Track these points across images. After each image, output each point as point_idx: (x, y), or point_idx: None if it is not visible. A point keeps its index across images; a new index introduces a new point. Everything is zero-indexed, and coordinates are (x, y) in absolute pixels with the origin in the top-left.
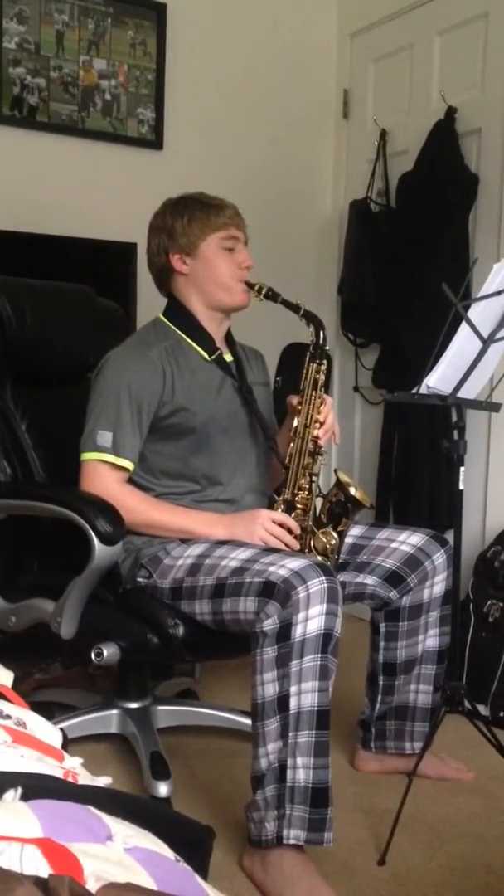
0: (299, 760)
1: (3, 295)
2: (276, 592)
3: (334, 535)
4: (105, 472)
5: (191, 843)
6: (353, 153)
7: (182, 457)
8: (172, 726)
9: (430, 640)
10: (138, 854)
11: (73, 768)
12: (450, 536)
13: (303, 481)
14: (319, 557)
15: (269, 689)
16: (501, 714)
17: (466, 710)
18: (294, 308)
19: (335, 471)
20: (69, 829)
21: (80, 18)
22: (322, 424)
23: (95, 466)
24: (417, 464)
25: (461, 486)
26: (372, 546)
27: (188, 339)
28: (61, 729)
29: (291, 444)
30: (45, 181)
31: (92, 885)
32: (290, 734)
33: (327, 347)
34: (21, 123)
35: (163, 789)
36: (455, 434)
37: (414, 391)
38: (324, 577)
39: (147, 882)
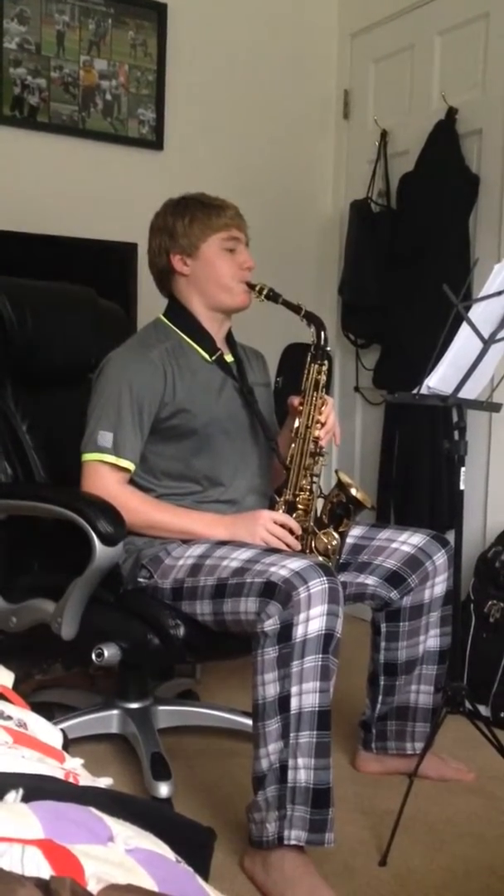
0: (300, 761)
1: (4, 295)
2: (278, 593)
3: (335, 535)
4: (106, 473)
5: (192, 845)
6: (353, 153)
7: (183, 458)
8: (173, 727)
9: (431, 640)
10: (139, 855)
11: (74, 769)
12: (450, 537)
13: (304, 482)
14: (320, 558)
15: (270, 690)
16: (502, 714)
17: (467, 711)
18: (295, 308)
19: (336, 471)
20: (70, 830)
21: (80, 19)
22: (323, 425)
23: (96, 467)
24: (418, 464)
25: (462, 487)
26: (373, 546)
27: (189, 340)
28: (62, 729)
29: (292, 445)
30: (46, 182)
31: (93, 887)
32: (291, 735)
33: (328, 348)
34: (22, 124)
35: (163, 790)
36: (456, 434)
37: (415, 392)
38: (325, 578)
39: (148, 883)
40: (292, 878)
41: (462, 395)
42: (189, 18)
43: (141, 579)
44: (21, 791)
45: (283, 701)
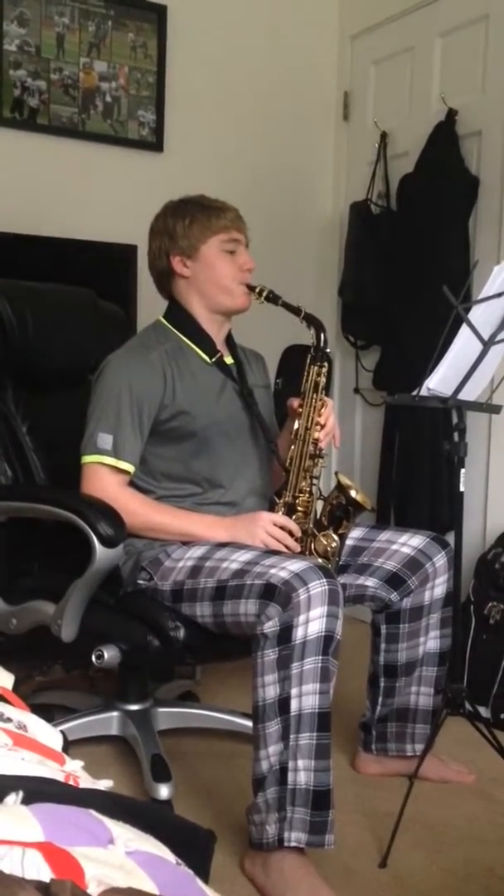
0: (300, 763)
1: (4, 297)
2: (277, 595)
3: (335, 537)
4: (106, 475)
5: (192, 847)
6: (353, 155)
7: (183, 460)
8: (173, 728)
9: (431, 642)
10: (140, 858)
11: (74, 771)
12: (450, 538)
13: (303, 484)
14: (320, 560)
15: (270, 692)
16: (502, 716)
17: (467, 712)
18: (294, 310)
19: (336, 473)
20: (71, 832)
21: (80, 21)
22: (323, 427)
23: (96, 469)
24: (418, 466)
25: (462, 488)
26: (373, 548)
27: (189, 342)
28: (62, 731)
29: (292, 447)
30: (46, 183)
31: (93, 890)
32: (291, 736)
33: (328, 349)
34: (22, 126)
35: (163, 791)
36: (456, 436)
37: (414, 393)
38: (325, 580)
39: (149, 886)
40: (292, 880)
41: (462, 396)
42: (189, 20)
43: (141, 581)
44: (21, 793)
45: (283, 703)
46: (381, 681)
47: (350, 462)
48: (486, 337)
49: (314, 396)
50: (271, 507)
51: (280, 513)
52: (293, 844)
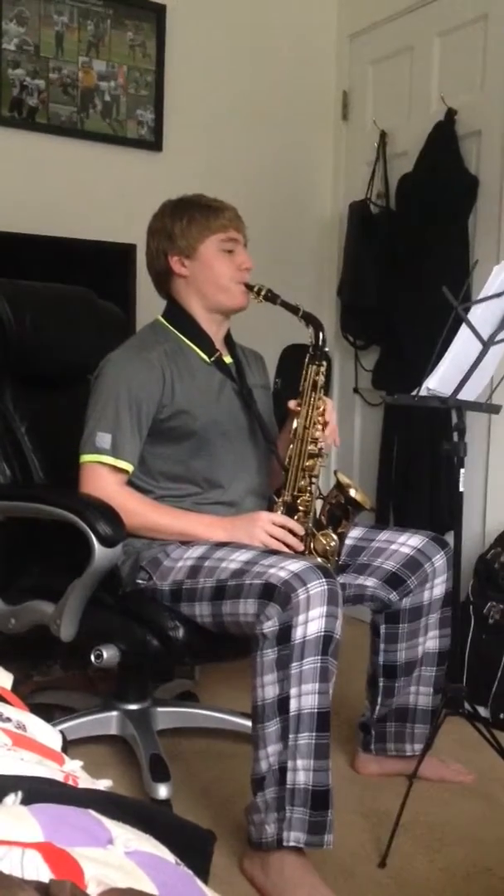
0: (299, 763)
1: (3, 297)
2: (277, 594)
3: (334, 537)
4: (104, 475)
5: (191, 847)
6: (352, 155)
7: (182, 459)
8: (172, 728)
9: (431, 641)
10: (139, 858)
11: (73, 771)
12: (450, 538)
13: (303, 483)
14: (319, 559)
15: (270, 692)
16: (502, 716)
17: (467, 712)
18: (293, 309)
19: (335, 472)
20: (70, 833)
21: (79, 20)
22: (322, 426)
23: (95, 468)
24: (417, 466)
25: (461, 488)
26: (372, 548)
27: (188, 342)
28: (61, 731)
29: (291, 446)
30: (45, 183)
31: (93, 890)
32: (291, 736)
33: (327, 349)
34: (20, 125)
35: (163, 791)
36: (455, 436)
37: (414, 393)
38: (324, 580)
39: (148, 886)
40: (291, 880)
41: (461, 396)
42: (188, 20)
43: (140, 581)
44: (20, 794)
45: (283, 702)
46: (380, 681)
47: (349, 462)
48: (485, 337)
49: (313, 395)
50: (270, 507)
51: (279, 512)
52: (292, 844)
